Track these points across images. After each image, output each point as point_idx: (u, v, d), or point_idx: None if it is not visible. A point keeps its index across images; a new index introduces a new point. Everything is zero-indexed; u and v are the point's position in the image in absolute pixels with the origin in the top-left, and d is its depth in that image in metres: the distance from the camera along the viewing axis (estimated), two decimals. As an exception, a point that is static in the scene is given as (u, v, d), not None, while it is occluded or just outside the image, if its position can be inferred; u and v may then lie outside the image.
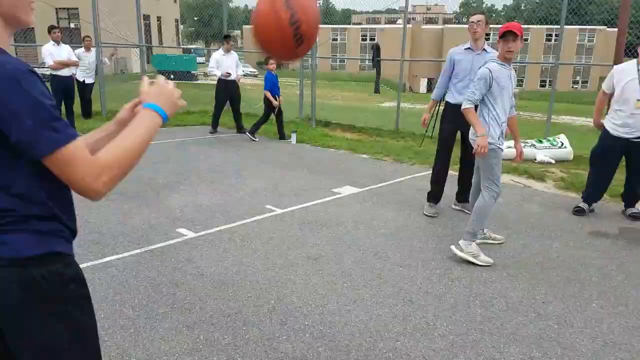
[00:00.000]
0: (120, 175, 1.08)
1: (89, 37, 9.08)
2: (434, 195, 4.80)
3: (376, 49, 13.15)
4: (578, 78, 38.70)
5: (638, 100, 4.38)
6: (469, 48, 4.43)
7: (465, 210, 4.70)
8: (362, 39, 49.22)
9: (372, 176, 6.07)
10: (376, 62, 12.99)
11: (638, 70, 4.40)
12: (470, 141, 3.72)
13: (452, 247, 3.65)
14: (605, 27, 35.42)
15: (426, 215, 4.66)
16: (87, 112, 9.59)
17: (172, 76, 25.42)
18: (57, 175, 1.03)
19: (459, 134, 4.70)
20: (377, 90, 17.91)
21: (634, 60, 4.51)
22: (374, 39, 48.03)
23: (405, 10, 8.83)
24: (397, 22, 56.27)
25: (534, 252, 3.84)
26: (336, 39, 49.37)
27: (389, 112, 13.76)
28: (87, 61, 9.01)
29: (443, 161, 4.77)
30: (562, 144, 7.39)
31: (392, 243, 3.94)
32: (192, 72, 27.62)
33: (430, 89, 41.65)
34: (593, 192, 4.83)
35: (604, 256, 3.79)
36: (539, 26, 42.20)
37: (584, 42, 39.96)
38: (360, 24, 61.96)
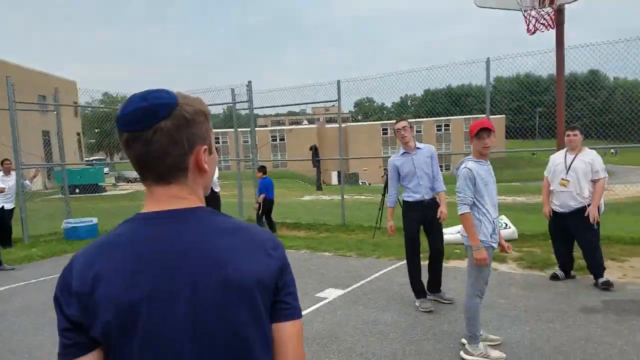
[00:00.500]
0: None
1: (8, 160, 8.22)
2: (419, 289, 4.72)
3: (315, 150, 13.65)
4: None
5: (562, 179, 5.08)
6: (405, 152, 4.67)
7: (441, 300, 4.74)
8: (272, 140, 51.13)
9: (348, 275, 5.87)
10: (316, 161, 13.41)
11: (565, 156, 5.16)
12: (461, 236, 3.73)
13: (461, 353, 3.55)
14: (484, 115, 40.67)
15: (423, 311, 4.53)
16: (7, 240, 8.43)
17: (77, 190, 23.77)
18: (287, 345, 0.98)
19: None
20: (319, 187, 18.36)
21: (564, 150, 5.26)
22: (283, 139, 50.24)
23: (339, 112, 9.35)
24: (303, 123, 59.71)
25: (544, 337, 3.81)
26: (247, 141, 50.65)
27: (318, 205, 14.00)
28: (7, 185, 8.09)
29: (415, 255, 4.75)
30: (506, 224, 7.75)
31: (410, 349, 3.69)
32: (100, 184, 26.09)
33: (339, 180, 43.66)
34: (561, 263, 5.39)
35: (608, 332, 3.86)
36: (427, 119, 47.41)
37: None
38: (265, 126, 64.71)
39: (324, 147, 46.91)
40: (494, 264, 6.19)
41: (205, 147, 0.99)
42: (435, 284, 4.79)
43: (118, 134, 0.95)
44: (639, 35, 6.89)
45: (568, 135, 5.13)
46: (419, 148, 4.64)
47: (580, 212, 5.01)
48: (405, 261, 4.85)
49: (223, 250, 0.91)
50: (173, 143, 0.93)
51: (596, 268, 5.07)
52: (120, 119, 0.94)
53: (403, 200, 4.73)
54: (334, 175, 46.82)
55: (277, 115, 79.46)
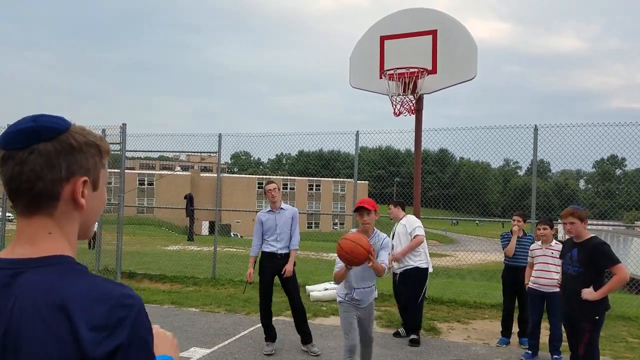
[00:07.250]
0: None
1: None
2: (268, 334, 5.07)
3: (190, 199, 13.16)
4: (337, 220, 45.42)
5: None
6: (270, 210, 5.17)
7: (309, 352, 5.03)
8: (140, 183, 47.96)
9: (215, 332, 5.67)
10: (190, 211, 12.89)
11: (395, 226, 5.87)
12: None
13: None
14: (351, 179, 43.46)
15: (265, 354, 4.92)
16: None
17: None
18: None
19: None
20: (191, 238, 17.46)
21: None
22: (152, 184, 47.52)
23: (219, 164, 9.35)
24: (176, 169, 57.36)
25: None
26: (110, 183, 46.76)
27: (185, 257, 13.34)
28: None
29: (266, 300, 5.09)
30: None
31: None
32: None
33: (211, 231, 42.36)
34: (404, 322, 5.90)
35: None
36: (301, 178, 49.12)
37: (337, 192, 48.00)
38: (133, 168, 60.58)
39: (197, 196, 45.32)
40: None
41: (86, 178, 0.91)
42: (302, 337, 5.09)
43: None
44: (481, 125, 8.39)
45: (389, 207, 5.94)
46: (282, 209, 5.13)
47: (407, 273, 5.60)
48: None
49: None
50: (49, 167, 0.86)
51: (411, 325, 5.61)
52: (2, 136, 0.89)
53: (262, 251, 5.11)
54: (205, 225, 45.37)
55: (147, 158, 75.03)
